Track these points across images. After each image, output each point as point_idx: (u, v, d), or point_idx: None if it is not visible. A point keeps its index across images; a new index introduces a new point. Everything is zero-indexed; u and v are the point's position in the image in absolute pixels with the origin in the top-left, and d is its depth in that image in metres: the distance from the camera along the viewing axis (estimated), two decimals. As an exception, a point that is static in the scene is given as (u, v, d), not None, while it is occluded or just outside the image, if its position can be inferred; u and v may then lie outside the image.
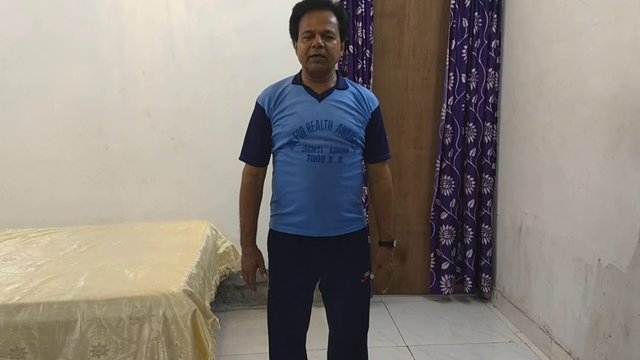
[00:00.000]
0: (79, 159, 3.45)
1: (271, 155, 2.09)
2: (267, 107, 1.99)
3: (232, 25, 3.44)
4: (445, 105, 3.54)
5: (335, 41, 1.93)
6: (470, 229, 3.67)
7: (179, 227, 3.32)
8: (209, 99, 3.48)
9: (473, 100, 3.55)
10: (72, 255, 2.82)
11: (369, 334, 2.21)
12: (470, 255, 3.69)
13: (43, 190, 3.45)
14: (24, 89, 3.36)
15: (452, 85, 3.52)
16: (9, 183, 3.43)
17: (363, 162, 2.13)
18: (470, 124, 3.57)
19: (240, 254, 3.49)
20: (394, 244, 2.16)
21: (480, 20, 3.48)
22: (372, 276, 2.13)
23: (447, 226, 3.67)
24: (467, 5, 3.45)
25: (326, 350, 2.25)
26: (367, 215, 3.41)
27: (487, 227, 3.67)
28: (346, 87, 2.02)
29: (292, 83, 2.01)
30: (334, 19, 1.93)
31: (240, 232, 2.12)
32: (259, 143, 2.05)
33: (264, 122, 2.01)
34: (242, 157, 2.10)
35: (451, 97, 3.54)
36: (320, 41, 1.88)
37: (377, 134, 2.08)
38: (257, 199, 2.10)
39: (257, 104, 2.03)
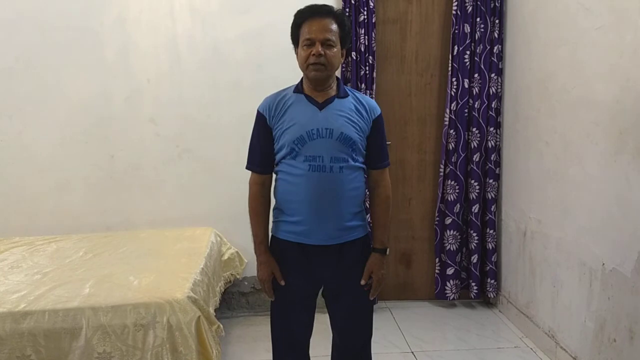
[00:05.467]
0: (85, 167, 3.48)
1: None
2: (268, 115, 2.00)
3: (235, 32, 3.47)
4: (448, 111, 3.55)
5: (335, 49, 1.93)
6: (475, 234, 3.66)
7: (183, 234, 3.34)
8: (213, 106, 3.51)
9: (476, 105, 3.56)
10: (78, 263, 2.85)
11: (374, 340, 2.21)
12: (475, 261, 3.68)
13: (49, 198, 3.48)
14: (31, 98, 3.40)
15: (454, 90, 3.53)
16: (16, 191, 3.46)
17: (365, 172, 2.13)
18: (474, 129, 3.58)
19: (245, 260, 3.55)
20: (387, 252, 2.15)
21: (482, 25, 3.48)
22: (362, 282, 2.09)
23: (452, 231, 3.67)
24: (469, 10, 3.46)
25: (330, 357, 2.25)
26: (370, 221, 3.41)
27: (491, 232, 3.67)
28: (347, 96, 2.02)
29: (294, 92, 2.02)
30: (334, 27, 1.93)
31: (253, 241, 2.10)
32: (262, 152, 2.05)
33: (266, 131, 2.02)
34: (249, 167, 2.10)
35: (454, 102, 3.54)
36: (320, 49, 1.89)
37: (378, 141, 2.08)
38: (266, 207, 2.11)
39: (258, 112, 2.04)
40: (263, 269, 2.08)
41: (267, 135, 2.02)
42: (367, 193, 2.23)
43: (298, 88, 2.03)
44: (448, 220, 3.67)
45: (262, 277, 2.09)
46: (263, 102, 2.05)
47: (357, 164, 2.01)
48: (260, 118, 2.03)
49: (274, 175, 2.09)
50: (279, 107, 1.99)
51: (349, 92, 2.05)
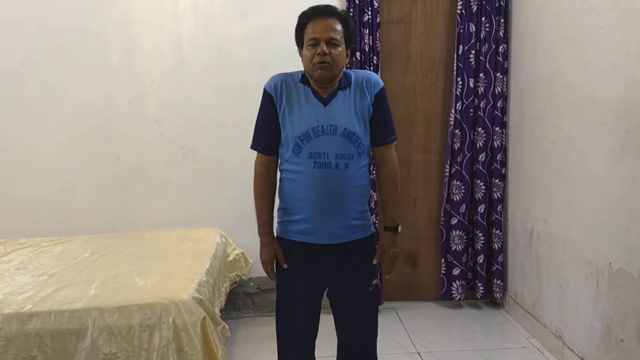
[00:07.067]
0: (90, 168, 3.49)
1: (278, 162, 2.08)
2: (275, 94, 1.98)
3: (239, 33, 3.47)
4: (453, 110, 3.54)
5: (340, 48, 1.93)
6: (481, 234, 3.65)
7: (188, 235, 3.34)
8: (217, 106, 3.51)
9: (481, 105, 3.54)
10: (84, 264, 2.85)
11: (379, 340, 2.20)
12: (481, 261, 3.67)
13: (55, 199, 3.49)
14: (35, 100, 3.41)
15: (460, 90, 3.52)
16: (22, 192, 3.48)
17: (372, 168, 2.11)
18: (479, 129, 3.56)
19: (250, 261, 3.54)
20: (399, 229, 2.13)
21: (487, 24, 3.47)
22: (375, 261, 2.10)
23: (458, 231, 3.66)
24: (473, 10, 3.45)
25: (335, 358, 2.25)
26: (375, 221, 3.41)
27: (498, 232, 3.65)
28: (349, 84, 2.00)
29: (301, 82, 2.00)
30: (339, 26, 1.93)
31: (257, 222, 2.09)
32: (268, 131, 2.03)
33: (272, 110, 1.99)
34: (253, 146, 2.08)
35: (459, 102, 3.53)
36: (324, 48, 1.88)
37: (382, 115, 2.04)
38: (271, 189, 2.09)
39: (265, 91, 2.02)
40: (266, 251, 2.08)
41: (273, 115, 2.00)
42: (375, 170, 2.18)
43: (305, 79, 2.01)
44: (454, 221, 3.65)
45: (264, 259, 2.09)
46: (270, 80, 2.03)
47: (362, 160, 2.00)
48: (266, 97, 2.01)
49: (278, 174, 2.09)
50: (287, 92, 1.98)
51: (350, 78, 2.02)
